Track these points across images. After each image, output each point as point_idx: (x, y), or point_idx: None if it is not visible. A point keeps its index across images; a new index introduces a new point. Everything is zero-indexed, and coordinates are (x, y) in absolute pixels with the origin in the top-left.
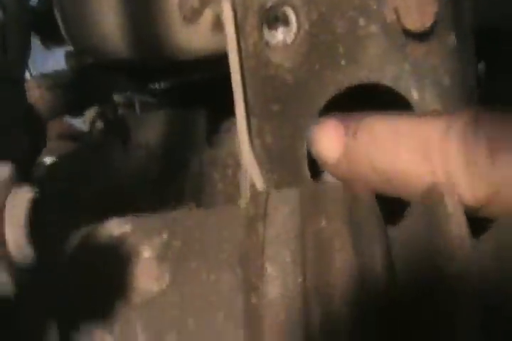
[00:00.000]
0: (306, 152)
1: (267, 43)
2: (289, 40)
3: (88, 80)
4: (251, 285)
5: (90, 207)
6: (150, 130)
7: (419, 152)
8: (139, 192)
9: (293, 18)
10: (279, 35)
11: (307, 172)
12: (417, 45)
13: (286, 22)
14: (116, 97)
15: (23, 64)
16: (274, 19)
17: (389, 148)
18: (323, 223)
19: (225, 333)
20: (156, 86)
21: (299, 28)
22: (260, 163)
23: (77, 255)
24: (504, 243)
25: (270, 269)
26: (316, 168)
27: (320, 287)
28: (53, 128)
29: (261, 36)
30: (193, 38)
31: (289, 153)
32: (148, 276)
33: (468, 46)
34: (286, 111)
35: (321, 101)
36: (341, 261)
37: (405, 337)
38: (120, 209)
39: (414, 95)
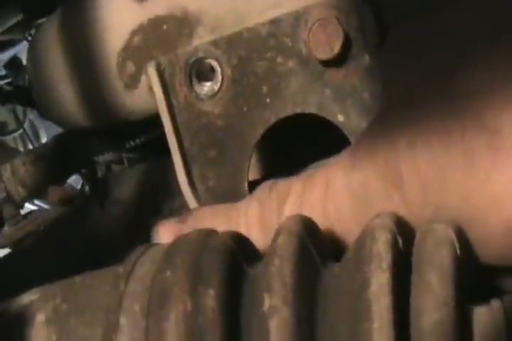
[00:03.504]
0: (246, 189)
1: (197, 95)
2: (216, 88)
3: (67, 148)
4: (106, 337)
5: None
6: (125, 185)
7: (230, 218)
8: (113, 243)
9: (217, 67)
10: (207, 86)
11: None
12: (335, 71)
13: (211, 72)
14: (107, 156)
15: None
16: (200, 72)
17: (209, 222)
18: (168, 273)
19: None
20: (133, 143)
21: (223, 75)
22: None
23: None
24: None
25: (123, 321)
26: None
27: (158, 335)
28: (54, 193)
29: (190, 90)
30: (136, 101)
31: (232, 192)
32: (40, 338)
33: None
34: (223, 154)
35: (254, 140)
36: (177, 308)
37: None
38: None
39: (339, 118)
